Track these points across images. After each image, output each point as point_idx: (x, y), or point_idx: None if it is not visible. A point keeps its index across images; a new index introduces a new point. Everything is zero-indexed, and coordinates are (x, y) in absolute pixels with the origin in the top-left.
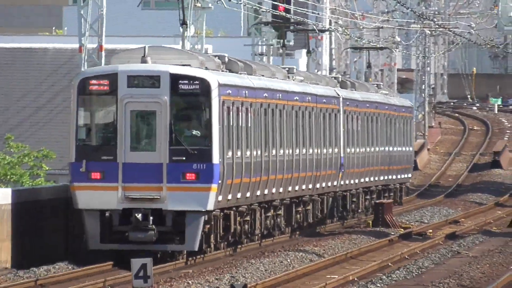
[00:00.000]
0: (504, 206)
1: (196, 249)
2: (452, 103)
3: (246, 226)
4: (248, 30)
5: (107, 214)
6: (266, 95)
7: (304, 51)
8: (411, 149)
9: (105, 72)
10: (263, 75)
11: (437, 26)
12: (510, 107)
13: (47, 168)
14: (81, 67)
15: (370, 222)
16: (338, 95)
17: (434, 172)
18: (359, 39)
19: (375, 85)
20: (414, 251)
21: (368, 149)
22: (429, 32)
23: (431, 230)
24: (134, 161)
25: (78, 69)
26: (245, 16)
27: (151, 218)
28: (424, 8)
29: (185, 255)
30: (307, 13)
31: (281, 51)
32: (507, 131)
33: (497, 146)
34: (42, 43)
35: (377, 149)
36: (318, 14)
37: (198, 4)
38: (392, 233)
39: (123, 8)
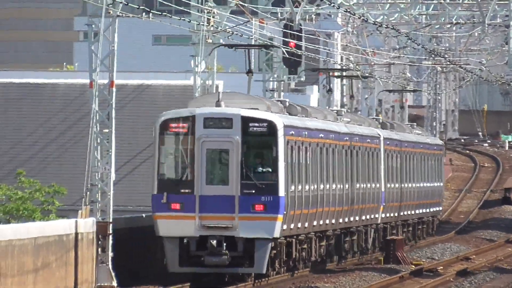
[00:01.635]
0: None
1: (264, 272)
2: (462, 140)
3: (304, 253)
4: (259, 66)
5: (185, 240)
6: (322, 136)
7: (316, 87)
8: (441, 184)
9: (184, 114)
10: (316, 117)
11: (448, 62)
12: None
13: (58, 204)
14: (92, 103)
15: (382, 258)
16: (379, 135)
17: (445, 209)
18: (369, 76)
19: (410, 125)
20: None
21: (405, 185)
22: (440, 69)
23: (442, 267)
24: (210, 194)
25: (89, 104)
26: (256, 52)
27: (224, 244)
28: (435, 44)
29: (253, 278)
30: (318, 49)
31: (292, 86)
32: None
33: (508, 182)
34: (52, 79)
35: (413, 184)
36: (329, 50)
37: (209, 40)
38: (403, 270)
39: (134, 43)
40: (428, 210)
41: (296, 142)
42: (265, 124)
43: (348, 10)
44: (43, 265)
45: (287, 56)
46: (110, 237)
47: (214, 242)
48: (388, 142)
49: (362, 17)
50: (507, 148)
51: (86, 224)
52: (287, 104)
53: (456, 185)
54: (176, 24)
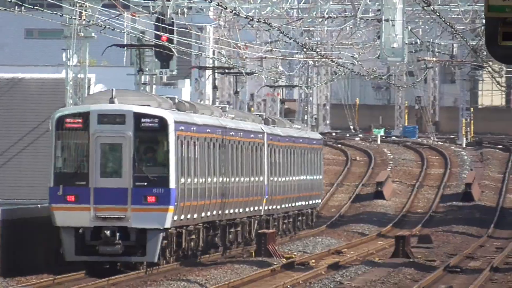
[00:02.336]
0: (386, 237)
1: (156, 260)
2: (334, 134)
3: (192, 243)
4: (131, 60)
5: (80, 230)
6: (209, 131)
7: (188, 80)
8: (321, 177)
9: (79, 111)
10: (203, 113)
11: (320, 56)
12: (393, 138)
13: None
14: None
15: (253, 251)
16: (263, 130)
17: None
18: (241, 69)
19: (289, 120)
20: (296, 281)
21: (287, 178)
22: (312, 63)
23: (313, 260)
24: (104, 186)
25: None
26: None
27: (117, 234)
28: (307, 38)
29: (145, 266)
30: (190, 42)
31: (164, 80)
32: (390, 162)
33: (379, 176)
34: None
35: (294, 178)
36: (201, 43)
37: (81, 34)
38: (275, 263)
39: (6, 37)
40: (308, 203)
41: (185, 137)
42: (156, 120)
43: (220, 3)
44: None
45: (159, 50)
46: None
47: (108, 232)
48: (271, 137)
49: (234, 11)
50: (379, 142)
51: None
52: (176, 100)
53: (328, 179)
54: (48, 18)
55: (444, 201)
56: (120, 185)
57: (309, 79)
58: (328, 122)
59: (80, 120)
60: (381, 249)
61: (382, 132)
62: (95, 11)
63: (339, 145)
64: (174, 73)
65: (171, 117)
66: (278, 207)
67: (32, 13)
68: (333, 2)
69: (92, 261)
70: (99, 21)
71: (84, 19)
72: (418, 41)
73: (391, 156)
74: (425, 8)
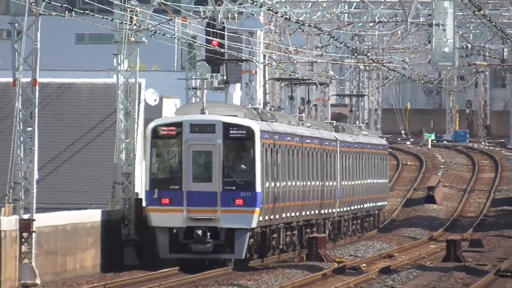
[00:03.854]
0: (438, 241)
1: (243, 257)
2: (385, 138)
3: (273, 242)
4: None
5: (174, 230)
6: (289, 139)
7: (238, 85)
8: (386, 180)
9: (173, 121)
10: (282, 122)
11: (371, 61)
12: (444, 142)
13: None
14: (15, 101)
15: (304, 256)
16: (336, 138)
17: None
18: (293, 73)
19: (358, 127)
20: (348, 286)
21: (356, 182)
22: (363, 67)
23: (365, 264)
24: (196, 190)
25: (12, 103)
26: (179, 51)
27: (208, 233)
28: (357, 43)
29: (233, 263)
30: (241, 47)
31: (215, 85)
32: (441, 166)
33: (431, 181)
34: None
35: (363, 181)
36: (252, 48)
37: (132, 39)
38: (326, 267)
39: (57, 42)
40: (375, 204)
41: (269, 144)
42: (244, 129)
43: (271, 8)
44: None
45: (210, 54)
46: (33, 234)
47: (199, 232)
48: (342, 144)
49: (285, 16)
50: (430, 146)
51: (9, 222)
52: (259, 111)
53: None
54: (99, 23)
55: (495, 205)
56: (210, 189)
57: (360, 84)
58: (379, 126)
59: (173, 129)
60: (433, 253)
61: (433, 136)
62: (146, 16)
63: (390, 150)
64: (225, 77)
65: (257, 126)
66: (349, 209)
67: (82, 18)
68: (384, 7)
69: (185, 258)
70: (150, 26)
71: (135, 24)
72: (469, 45)
73: (442, 161)
74: (476, 12)
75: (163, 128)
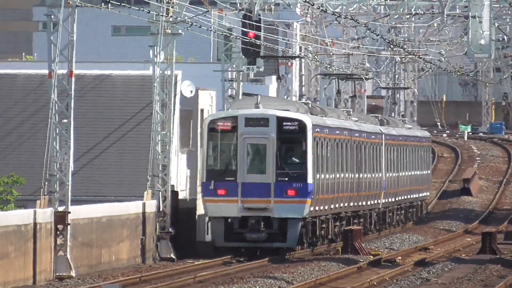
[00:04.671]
0: (473, 234)
1: (295, 246)
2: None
3: (323, 232)
4: (217, 56)
5: (229, 220)
6: (338, 132)
7: (274, 77)
8: (429, 172)
9: (228, 115)
10: (332, 117)
11: (407, 53)
12: (480, 134)
13: (17, 194)
14: (51, 93)
15: (340, 248)
16: (381, 131)
17: None
18: (329, 66)
19: (401, 120)
20: (383, 278)
21: (401, 174)
22: (399, 59)
23: (400, 257)
24: (250, 181)
25: (48, 95)
26: (215, 43)
27: (262, 223)
28: (394, 35)
29: (285, 251)
30: (277, 39)
31: (251, 76)
32: (477, 158)
33: (466, 173)
34: (12, 69)
35: (407, 173)
36: (288, 40)
37: (168, 30)
38: (361, 260)
39: (93, 34)
40: (418, 195)
41: (320, 138)
42: (296, 123)
43: (307, 0)
44: (1, 255)
45: (246, 46)
46: (68, 227)
47: (253, 221)
48: (387, 137)
49: (321, 7)
50: (465, 138)
51: (45, 214)
52: (310, 105)
53: None
54: (135, 15)
55: None
56: (264, 180)
57: (396, 76)
58: (415, 119)
59: (229, 123)
60: (468, 245)
61: (469, 128)
62: (182, 8)
63: None
64: (261, 69)
65: (309, 120)
66: (393, 199)
67: (119, 10)
68: None
69: (240, 246)
70: (186, 18)
71: (171, 16)
72: (505, 37)
73: (478, 153)
74: None
75: (219, 122)
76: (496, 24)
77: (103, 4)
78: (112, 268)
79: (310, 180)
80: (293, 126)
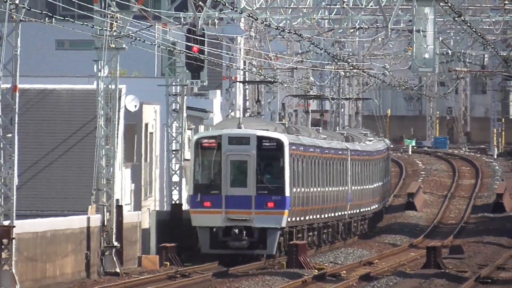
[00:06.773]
0: (418, 248)
1: (274, 253)
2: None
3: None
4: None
5: (214, 229)
6: (311, 150)
7: (219, 91)
8: (389, 179)
9: (213, 134)
10: (304, 135)
11: (351, 67)
12: (424, 148)
13: None
14: None
15: (284, 263)
16: (347, 147)
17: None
18: (272, 79)
19: (363, 134)
20: None
21: (364, 186)
22: (343, 73)
23: (345, 271)
24: (233, 194)
25: None
26: (159, 57)
27: (244, 232)
28: (338, 49)
29: (265, 258)
30: (221, 53)
31: (195, 90)
32: (421, 173)
33: (411, 187)
34: None
35: (369, 186)
36: (232, 55)
37: (112, 45)
38: (306, 274)
39: (37, 48)
40: (380, 205)
41: (296, 155)
42: (274, 142)
43: (251, 14)
44: None
45: (190, 60)
46: (14, 241)
47: (236, 231)
48: (352, 153)
49: (265, 22)
50: (410, 152)
51: None
52: (287, 125)
53: None
54: (79, 29)
55: (475, 211)
56: (246, 193)
57: (341, 90)
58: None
59: (214, 142)
60: (413, 260)
61: (413, 142)
62: (126, 23)
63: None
64: (205, 83)
65: (286, 139)
66: (358, 211)
67: (63, 24)
68: (364, 13)
69: (223, 253)
70: (130, 32)
71: (115, 30)
72: (449, 51)
73: (423, 167)
74: (456, 19)
75: (205, 140)
76: (440, 38)
77: (47, 18)
78: (57, 282)
79: (287, 193)
80: (272, 145)
